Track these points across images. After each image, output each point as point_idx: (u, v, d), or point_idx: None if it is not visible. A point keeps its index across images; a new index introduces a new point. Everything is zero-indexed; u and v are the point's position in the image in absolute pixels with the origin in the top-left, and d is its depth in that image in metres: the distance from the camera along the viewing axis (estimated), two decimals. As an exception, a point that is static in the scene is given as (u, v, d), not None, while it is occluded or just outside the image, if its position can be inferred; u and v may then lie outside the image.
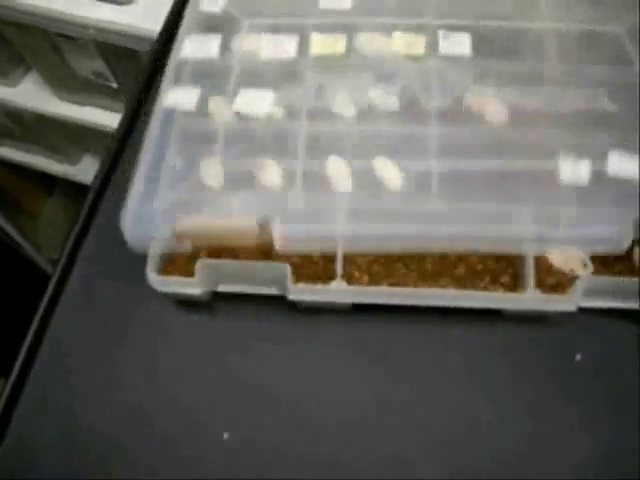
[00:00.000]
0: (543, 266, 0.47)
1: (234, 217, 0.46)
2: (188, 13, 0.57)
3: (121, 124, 0.60)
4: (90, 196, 0.56)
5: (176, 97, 0.51)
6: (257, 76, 0.53)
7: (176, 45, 0.55)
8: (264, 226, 0.46)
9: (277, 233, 0.47)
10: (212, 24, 0.57)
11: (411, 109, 0.52)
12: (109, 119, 1.32)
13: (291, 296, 0.48)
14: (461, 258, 0.49)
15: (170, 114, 0.51)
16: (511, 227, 0.47)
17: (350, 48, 0.54)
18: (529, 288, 0.46)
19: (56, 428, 0.49)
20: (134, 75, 1.17)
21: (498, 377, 0.48)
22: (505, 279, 0.48)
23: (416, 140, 0.52)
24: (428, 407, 0.48)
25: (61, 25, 1.08)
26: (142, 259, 0.48)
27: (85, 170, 1.58)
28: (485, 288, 0.48)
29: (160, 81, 0.60)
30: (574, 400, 0.47)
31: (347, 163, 0.51)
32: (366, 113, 0.53)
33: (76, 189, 1.61)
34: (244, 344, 0.51)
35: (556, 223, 0.47)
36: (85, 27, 1.07)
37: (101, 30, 1.06)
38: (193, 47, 0.54)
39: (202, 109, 0.52)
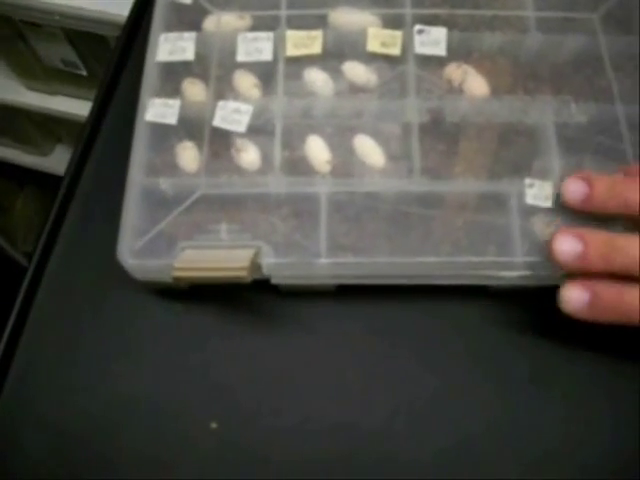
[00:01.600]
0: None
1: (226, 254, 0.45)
2: (159, 3, 0.55)
3: (91, 112, 0.58)
4: (63, 186, 0.54)
5: (157, 111, 0.50)
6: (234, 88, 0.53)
7: (150, 42, 0.53)
8: (255, 258, 0.45)
9: (268, 265, 0.47)
10: (184, 17, 0.55)
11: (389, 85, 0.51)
12: (80, 108, 1.30)
13: (273, 280, 0.48)
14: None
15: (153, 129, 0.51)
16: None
17: (325, 48, 0.53)
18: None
19: (39, 420, 0.48)
20: (104, 63, 1.14)
21: (496, 357, 0.48)
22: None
23: (396, 115, 0.51)
24: (418, 388, 0.48)
25: (25, 12, 1.05)
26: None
27: (58, 161, 1.56)
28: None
29: (130, 68, 0.59)
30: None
31: (326, 142, 0.50)
32: (344, 90, 0.52)
33: (49, 180, 1.59)
34: (226, 330, 0.50)
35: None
36: (50, 13, 1.04)
37: (66, 16, 1.04)
38: (168, 47, 0.52)
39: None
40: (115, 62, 0.60)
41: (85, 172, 0.56)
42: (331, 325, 0.50)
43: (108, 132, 0.58)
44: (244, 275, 0.43)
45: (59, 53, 1.18)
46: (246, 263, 0.43)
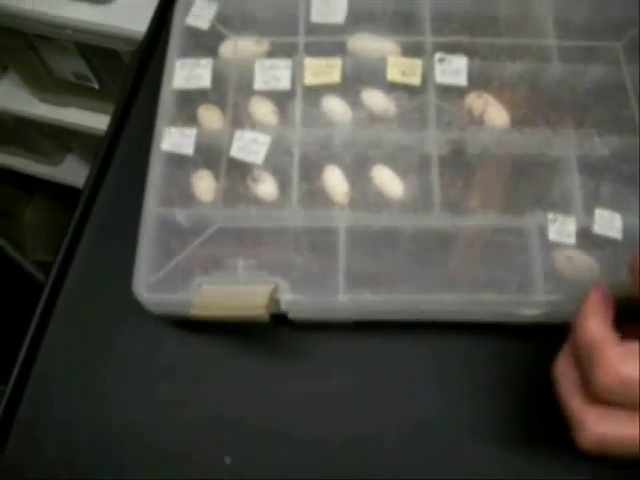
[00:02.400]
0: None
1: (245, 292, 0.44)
2: (175, 28, 0.55)
3: (106, 135, 0.58)
4: (81, 202, 0.54)
5: (173, 141, 0.49)
6: (251, 115, 0.52)
7: (167, 68, 0.52)
8: (273, 295, 0.45)
9: (286, 302, 0.46)
10: (200, 41, 0.54)
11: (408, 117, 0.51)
12: (92, 120, 1.29)
13: (291, 315, 0.47)
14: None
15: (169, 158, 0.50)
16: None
17: (344, 75, 0.52)
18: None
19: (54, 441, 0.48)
20: (117, 76, 1.14)
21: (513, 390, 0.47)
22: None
23: (415, 146, 0.50)
24: (429, 424, 0.47)
25: (38, 26, 1.05)
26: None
27: (68, 171, 1.55)
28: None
29: (147, 86, 0.58)
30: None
31: (344, 173, 0.50)
32: (363, 119, 0.51)
33: (58, 190, 1.58)
34: (241, 363, 0.50)
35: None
36: (63, 27, 1.04)
37: (79, 30, 1.03)
38: (184, 74, 0.52)
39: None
40: (131, 82, 0.60)
41: (100, 196, 0.55)
42: (347, 358, 0.50)
43: (123, 156, 0.57)
44: (262, 314, 0.42)
45: (71, 66, 1.17)
46: (264, 302, 0.42)
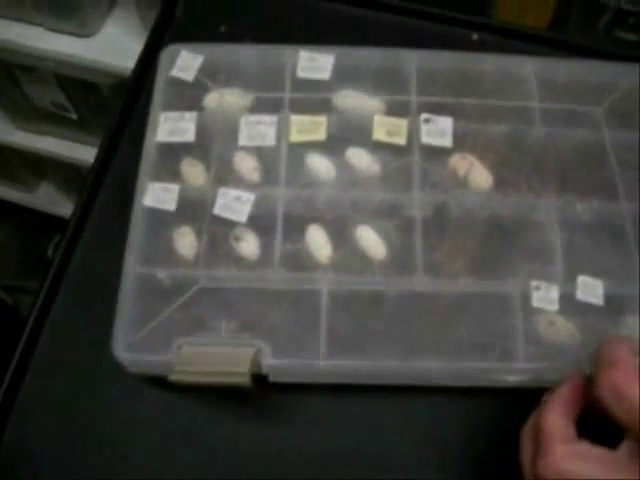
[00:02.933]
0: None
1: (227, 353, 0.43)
2: (159, 79, 0.54)
3: (89, 178, 0.57)
4: (59, 254, 0.53)
5: (156, 196, 0.49)
6: (234, 172, 0.52)
7: (150, 120, 0.52)
8: (255, 360, 0.44)
9: (267, 366, 0.46)
10: (185, 93, 0.54)
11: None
12: (68, 149, 1.28)
13: (272, 378, 0.46)
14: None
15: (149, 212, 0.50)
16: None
17: (329, 132, 0.52)
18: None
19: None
20: (95, 108, 1.13)
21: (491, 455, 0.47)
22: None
23: (400, 207, 0.50)
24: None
25: (20, 57, 1.04)
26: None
27: (43, 197, 1.53)
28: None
29: (128, 137, 0.58)
30: None
31: (328, 233, 0.49)
32: (347, 178, 0.51)
33: (32, 216, 1.57)
34: (219, 422, 0.49)
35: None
36: (44, 59, 1.03)
37: (60, 62, 1.02)
38: (168, 128, 0.51)
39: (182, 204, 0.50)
40: (112, 132, 0.59)
41: (77, 250, 0.54)
42: (326, 420, 0.49)
43: (103, 207, 0.56)
44: (245, 381, 0.41)
45: (49, 96, 1.16)
46: (246, 370, 0.42)
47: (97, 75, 1.03)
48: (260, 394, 0.49)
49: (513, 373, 0.46)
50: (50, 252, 1.61)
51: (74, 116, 1.16)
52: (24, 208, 1.57)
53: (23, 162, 1.41)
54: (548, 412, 0.39)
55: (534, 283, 0.47)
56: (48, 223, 1.59)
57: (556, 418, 0.39)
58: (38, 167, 1.44)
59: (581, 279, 0.48)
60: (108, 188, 0.56)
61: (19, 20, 1.02)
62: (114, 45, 1.00)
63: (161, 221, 0.50)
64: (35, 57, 1.03)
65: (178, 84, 0.55)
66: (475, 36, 0.64)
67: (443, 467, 0.48)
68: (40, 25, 1.02)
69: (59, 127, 1.23)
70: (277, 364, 0.45)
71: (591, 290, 0.48)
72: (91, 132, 1.20)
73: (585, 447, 0.38)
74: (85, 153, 1.25)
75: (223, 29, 0.63)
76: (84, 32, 1.00)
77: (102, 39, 1.01)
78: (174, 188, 0.50)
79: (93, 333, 0.49)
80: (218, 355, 0.44)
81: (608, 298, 0.48)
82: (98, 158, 0.56)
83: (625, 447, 0.37)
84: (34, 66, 1.06)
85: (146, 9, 0.94)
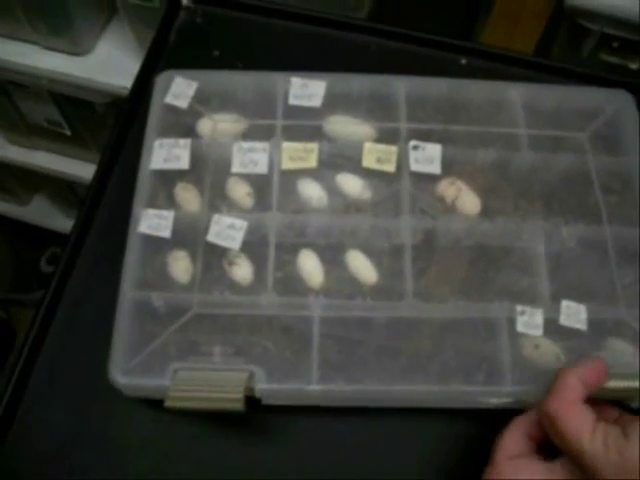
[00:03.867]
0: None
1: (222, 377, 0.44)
2: (154, 106, 0.55)
3: (91, 186, 0.57)
4: (55, 281, 0.54)
5: (150, 223, 0.50)
6: (228, 198, 0.53)
7: (145, 147, 0.53)
8: (248, 384, 0.45)
9: (260, 390, 0.47)
10: (179, 120, 0.55)
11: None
12: (61, 163, 1.29)
13: (264, 401, 0.47)
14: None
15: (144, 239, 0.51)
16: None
17: (320, 159, 0.54)
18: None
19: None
20: (89, 124, 1.14)
21: None
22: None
23: (389, 233, 0.52)
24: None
25: (15, 75, 1.05)
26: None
27: (36, 211, 1.54)
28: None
29: (122, 163, 0.59)
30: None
31: (319, 258, 0.51)
32: (338, 204, 0.52)
33: (24, 229, 1.57)
34: (212, 442, 0.50)
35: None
36: (38, 77, 1.04)
37: (55, 81, 1.03)
38: (163, 155, 0.52)
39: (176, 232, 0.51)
40: (108, 158, 0.60)
41: (73, 275, 0.55)
42: (316, 439, 0.50)
43: (108, 203, 0.57)
44: (239, 407, 0.43)
45: (43, 112, 1.17)
46: (240, 395, 0.43)
47: (91, 93, 1.04)
48: (253, 416, 0.50)
49: (499, 396, 0.47)
50: (43, 265, 1.62)
51: (68, 132, 1.17)
52: (17, 221, 1.57)
53: (16, 176, 1.41)
54: (507, 430, 0.43)
55: (519, 308, 0.49)
56: (41, 236, 1.59)
57: (512, 435, 0.43)
58: (31, 181, 1.45)
59: (565, 304, 0.49)
60: (104, 213, 0.57)
61: (13, 38, 1.03)
62: (108, 63, 1.01)
63: (156, 247, 0.51)
64: (29, 75, 1.04)
65: (172, 110, 0.56)
66: (463, 60, 0.65)
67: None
68: (35, 43, 1.02)
69: (53, 142, 1.24)
70: (270, 388, 0.46)
71: (575, 315, 0.49)
72: (85, 147, 1.21)
73: (526, 461, 0.42)
74: (78, 168, 1.26)
75: (216, 54, 0.64)
76: (78, 50, 1.01)
77: (96, 57, 1.03)
78: (169, 215, 0.51)
79: (89, 357, 0.50)
80: (212, 380, 0.45)
81: (592, 321, 0.49)
82: (93, 184, 0.57)
83: (562, 460, 0.41)
84: (28, 83, 1.07)
85: (139, 27, 0.95)
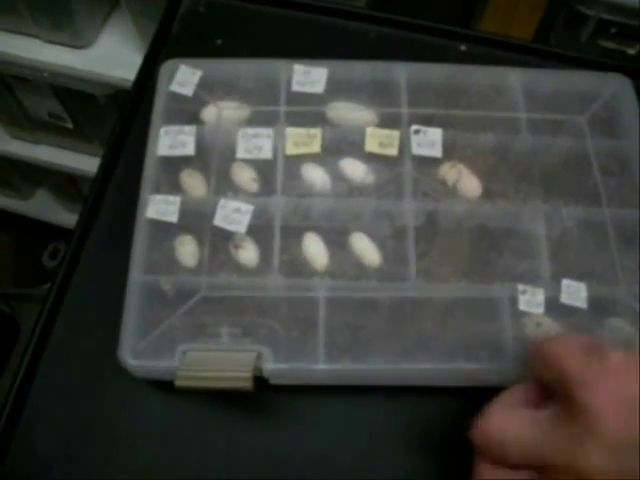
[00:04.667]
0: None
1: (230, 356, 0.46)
2: (159, 93, 0.56)
3: (92, 192, 0.58)
4: (63, 268, 0.55)
5: (157, 208, 0.51)
6: (233, 184, 0.54)
7: (151, 134, 0.54)
8: (257, 364, 0.46)
9: (268, 370, 0.48)
10: (184, 107, 0.56)
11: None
12: (63, 157, 1.30)
13: (272, 381, 0.48)
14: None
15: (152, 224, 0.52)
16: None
17: (324, 144, 0.55)
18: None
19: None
20: (91, 117, 1.15)
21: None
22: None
23: (393, 216, 0.52)
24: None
25: (15, 68, 1.06)
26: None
27: (38, 205, 1.55)
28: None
29: (129, 149, 0.60)
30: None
31: (324, 241, 0.52)
32: (342, 188, 0.53)
33: (26, 223, 1.58)
34: (221, 423, 0.51)
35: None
36: (40, 70, 1.05)
37: (56, 74, 1.04)
38: (168, 141, 0.53)
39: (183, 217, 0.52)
40: (114, 145, 0.60)
41: (81, 262, 0.56)
42: (324, 419, 0.51)
43: (113, 193, 0.58)
44: (247, 386, 0.43)
45: (46, 106, 1.18)
46: (249, 374, 0.44)
47: (93, 86, 1.04)
48: (261, 396, 0.51)
49: (502, 373, 0.48)
50: (45, 259, 1.63)
51: (70, 125, 1.18)
52: (19, 216, 1.58)
53: (18, 170, 1.42)
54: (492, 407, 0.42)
55: (521, 287, 0.50)
56: (43, 231, 1.60)
57: (511, 390, 0.42)
58: (33, 175, 1.46)
59: (565, 282, 0.50)
60: (111, 200, 0.57)
61: (15, 32, 1.04)
62: (110, 56, 1.02)
63: (163, 232, 0.52)
64: (31, 68, 1.04)
65: (177, 98, 0.57)
66: (463, 47, 0.66)
67: (437, 464, 0.50)
68: (36, 37, 1.03)
69: (55, 136, 1.25)
70: (277, 368, 0.47)
71: (575, 293, 0.50)
72: (87, 141, 1.22)
73: (514, 411, 0.40)
74: (81, 161, 1.26)
75: (219, 43, 0.65)
76: (80, 43, 1.02)
77: (98, 50, 1.03)
78: (175, 200, 0.52)
79: (99, 341, 0.51)
80: (221, 361, 0.46)
81: (592, 299, 0.50)
82: (100, 171, 0.58)
83: (550, 409, 0.39)
84: (30, 77, 1.08)
85: (141, 20, 0.96)
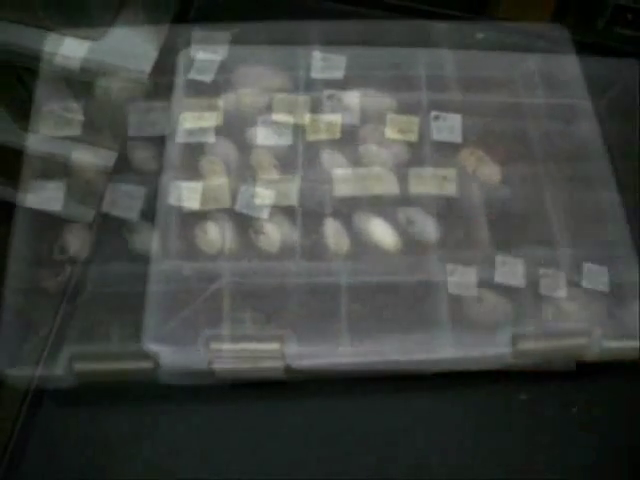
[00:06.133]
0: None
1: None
2: (178, 80, 0.57)
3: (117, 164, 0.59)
4: (91, 237, 0.55)
5: (178, 195, 0.51)
6: (253, 170, 0.54)
7: (171, 120, 0.54)
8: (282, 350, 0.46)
9: (291, 356, 0.47)
10: (204, 95, 0.56)
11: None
12: (76, 150, 1.29)
13: (296, 365, 0.48)
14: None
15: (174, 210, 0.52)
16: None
17: (343, 130, 0.55)
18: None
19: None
20: (105, 110, 1.15)
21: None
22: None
23: (413, 200, 0.53)
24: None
25: (27, 60, 1.05)
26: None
27: (47, 199, 1.55)
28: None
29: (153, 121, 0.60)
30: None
31: (344, 226, 0.52)
32: (360, 173, 0.53)
33: (37, 217, 1.58)
34: (245, 403, 0.51)
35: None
36: (52, 62, 1.05)
37: (68, 66, 1.04)
38: (188, 128, 0.54)
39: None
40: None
41: (101, 249, 0.56)
42: (342, 404, 0.51)
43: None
44: (279, 366, 0.45)
45: (57, 98, 1.17)
46: (281, 364, 0.44)
47: (105, 77, 1.04)
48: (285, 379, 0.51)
49: (519, 357, 0.48)
50: (56, 253, 1.63)
51: (82, 118, 1.17)
52: (30, 210, 1.58)
53: (30, 164, 1.42)
54: None
55: (542, 271, 0.50)
56: (55, 225, 1.60)
57: None
58: (44, 168, 1.46)
59: (587, 266, 0.50)
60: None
61: (28, 24, 1.03)
62: (122, 47, 1.02)
63: (185, 218, 0.52)
64: (43, 60, 1.04)
65: (196, 86, 0.57)
66: (480, 35, 0.66)
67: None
68: (49, 29, 1.03)
69: (67, 129, 1.25)
70: (301, 351, 0.47)
71: (596, 278, 0.50)
72: (99, 133, 1.21)
73: None
74: (92, 154, 1.26)
75: (236, 30, 0.65)
76: (92, 35, 1.02)
77: (110, 42, 1.03)
78: (197, 187, 0.52)
79: (122, 327, 0.51)
80: (252, 352, 0.46)
81: (613, 284, 0.50)
82: (118, 162, 0.58)
83: None
84: (42, 69, 1.07)
85: (154, 11, 0.96)
